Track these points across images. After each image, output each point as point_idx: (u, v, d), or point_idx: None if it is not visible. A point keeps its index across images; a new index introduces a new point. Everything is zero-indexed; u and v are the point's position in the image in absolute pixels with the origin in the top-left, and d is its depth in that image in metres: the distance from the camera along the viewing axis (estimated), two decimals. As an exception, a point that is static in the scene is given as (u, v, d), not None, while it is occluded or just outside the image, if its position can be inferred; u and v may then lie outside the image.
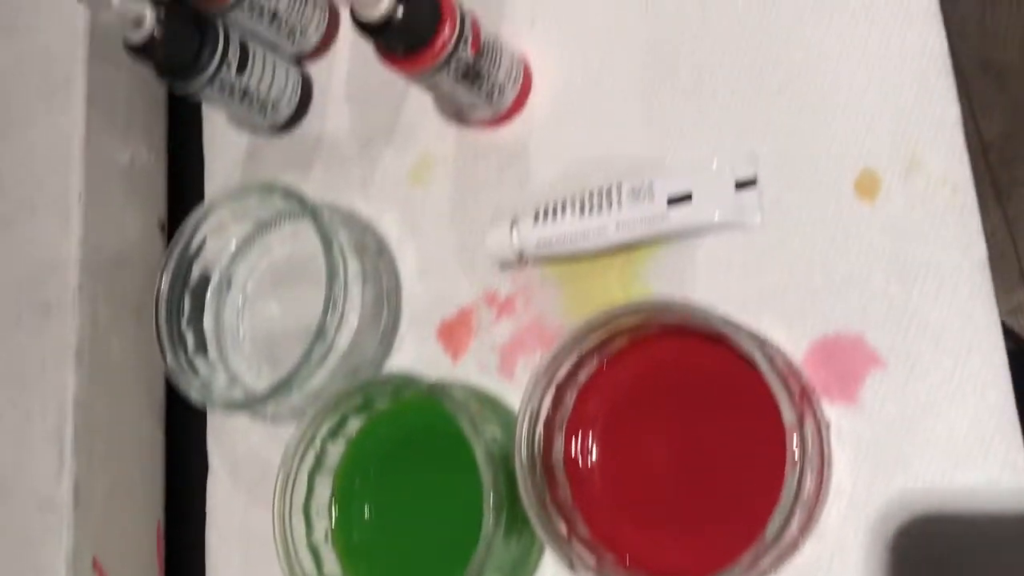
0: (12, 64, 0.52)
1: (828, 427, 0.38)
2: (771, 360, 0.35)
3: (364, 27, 0.39)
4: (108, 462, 0.49)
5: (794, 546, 0.37)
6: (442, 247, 0.48)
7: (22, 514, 0.48)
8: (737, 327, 0.35)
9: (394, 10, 0.38)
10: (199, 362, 0.48)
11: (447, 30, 0.40)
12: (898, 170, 0.38)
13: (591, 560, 0.37)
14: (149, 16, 0.44)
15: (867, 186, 0.39)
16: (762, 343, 0.36)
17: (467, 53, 0.42)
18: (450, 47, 0.41)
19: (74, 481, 0.47)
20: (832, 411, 0.38)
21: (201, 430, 0.52)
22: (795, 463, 0.33)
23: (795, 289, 0.39)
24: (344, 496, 0.45)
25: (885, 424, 0.37)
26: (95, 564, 0.47)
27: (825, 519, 0.37)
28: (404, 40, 0.40)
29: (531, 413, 0.39)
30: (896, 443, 0.37)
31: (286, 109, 0.52)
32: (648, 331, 0.39)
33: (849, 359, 0.38)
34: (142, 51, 0.45)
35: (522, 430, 0.39)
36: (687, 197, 0.41)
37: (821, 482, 0.37)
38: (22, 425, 0.49)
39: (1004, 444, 0.35)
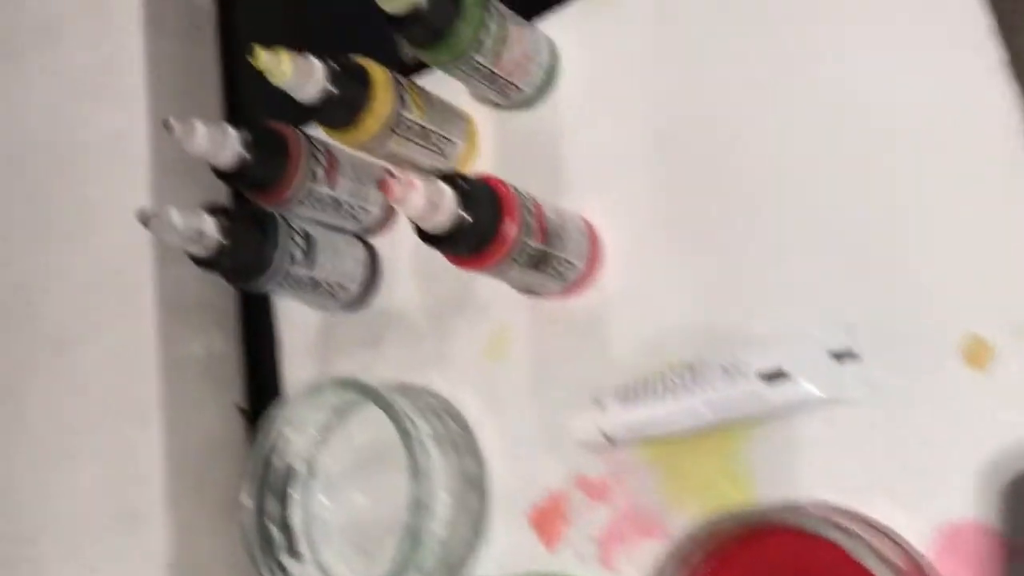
0: (85, 272, 0.53)
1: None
2: (888, 563, 0.32)
3: (430, 239, 0.38)
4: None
5: None
6: (525, 425, 0.46)
7: None
8: (849, 533, 0.33)
9: (460, 220, 0.37)
10: (290, 563, 0.47)
11: (512, 227, 0.39)
12: (1008, 333, 0.36)
13: None
14: (210, 229, 0.44)
15: (976, 353, 0.36)
16: (878, 551, 0.33)
17: (533, 243, 0.40)
18: (517, 242, 0.39)
19: None
20: (968, 600, 0.35)
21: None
22: None
23: (912, 470, 0.36)
24: None
25: (1032, 620, 0.34)
26: None
27: None
28: (469, 244, 0.38)
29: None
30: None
31: (355, 287, 0.51)
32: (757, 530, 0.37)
33: (979, 548, 0.35)
34: (208, 264, 0.44)
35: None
36: (780, 373, 0.39)
37: None
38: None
39: None
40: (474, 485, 0.46)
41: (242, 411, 0.54)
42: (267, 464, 0.48)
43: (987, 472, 0.35)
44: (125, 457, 0.50)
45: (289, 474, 0.49)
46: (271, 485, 0.48)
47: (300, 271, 0.47)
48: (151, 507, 0.49)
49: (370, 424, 0.49)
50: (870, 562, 0.32)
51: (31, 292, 0.54)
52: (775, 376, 0.39)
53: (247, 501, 0.46)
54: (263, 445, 0.47)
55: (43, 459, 0.51)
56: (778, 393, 0.39)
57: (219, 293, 0.55)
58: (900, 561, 0.34)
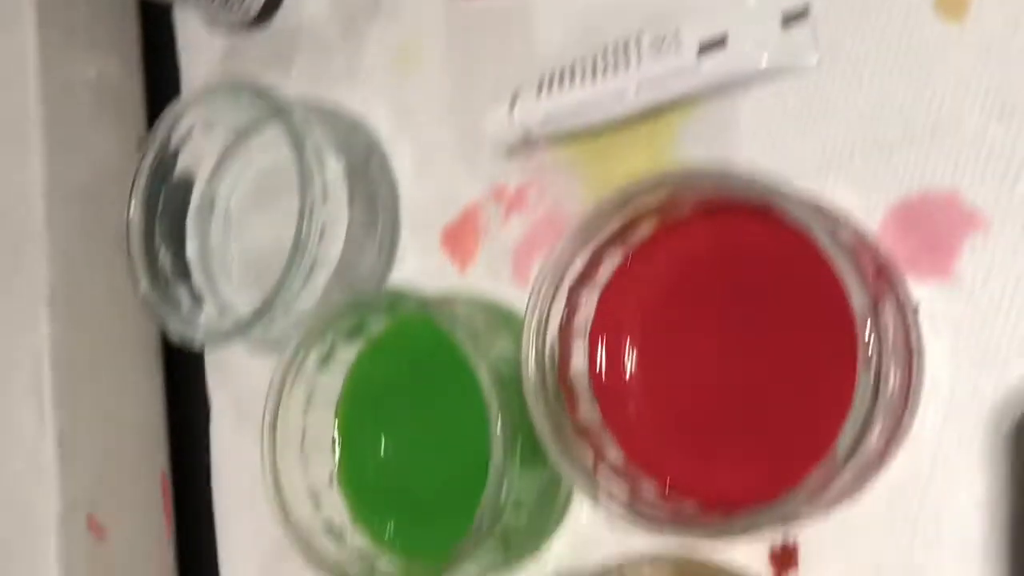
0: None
1: (916, 310, 0.29)
2: (833, 232, 0.27)
3: None
4: (97, 413, 0.44)
5: (880, 460, 0.29)
6: (441, 140, 0.40)
7: (8, 474, 0.43)
8: (786, 194, 0.27)
9: None
10: (182, 292, 0.42)
11: None
12: (991, -27, 0.30)
13: (623, 491, 0.30)
14: None
15: (952, 1, 0.30)
16: (819, 211, 0.28)
17: None
18: None
19: (58, 436, 0.42)
20: (922, 290, 0.30)
21: (203, 369, 0.46)
22: (870, 357, 0.26)
23: (866, 143, 0.31)
24: (347, 434, 0.39)
25: (991, 301, 0.29)
26: (91, 523, 0.42)
27: (919, 425, 0.29)
28: None
29: (539, 321, 0.32)
30: (1005, 324, 0.28)
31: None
32: (680, 212, 0.32)
33: (940, 223, 0.29)
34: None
35: (529, 341, 0.32)
36: (722, 42, 0.33)
37: (910, 379, 0.29)
38: (3, 377, 0.44)
39: None
40: (382, 205, 0.41)
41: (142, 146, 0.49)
42: (158, 183, 0.43)
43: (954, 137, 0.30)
44: (5, 187, 0.45)
45: (184, 203, 0.44)
46: (163, 207, 0.43)
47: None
48: (32, 237, 0.44)
49: (272, 146, 0.44)
50: (814, 227, 0.27)
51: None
52: (712, 46, 0.33)
53: (134, 213, 0.41)
54: (152, 161, 0.42)
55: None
56: (716, 65, 0.33)
57: (114, 6, 0.49)
58: (847, 234, 0.29)
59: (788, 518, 0.27)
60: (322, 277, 0.39)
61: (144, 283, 0.41)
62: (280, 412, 0.38)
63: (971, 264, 0.29)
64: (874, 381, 0.25)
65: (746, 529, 0.27)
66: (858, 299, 0.26)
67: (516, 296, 0.37)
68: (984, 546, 0.28)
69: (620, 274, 0.33)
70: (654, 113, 0.35)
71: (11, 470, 0.43)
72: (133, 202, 0.42)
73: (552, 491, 0.35)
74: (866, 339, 0.26)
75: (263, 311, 0.38)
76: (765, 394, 0.31)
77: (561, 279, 0.32)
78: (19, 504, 0.43)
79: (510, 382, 0.33)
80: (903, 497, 0.29)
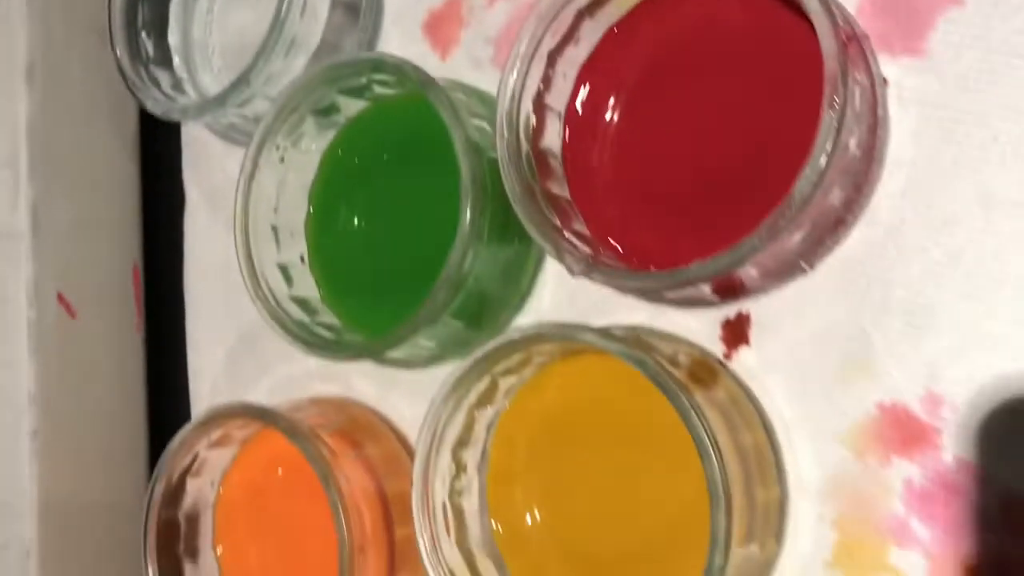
0: None
1: (885, 83, 0.30)
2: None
3: None
4: (72, 192, 0.44)
5: (839, 225, 0.30)
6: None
7: (-18, 246, 0.43)
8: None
9: None
10: (161, 76, 0.42)
11: None
12: None
13: (586, 251, 0.31)
14: None
15: None
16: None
17: None
18: None
19: (32, 209, 0.43)
20: (893, 67, 0.30)
21: (179, 162, 0.46)
22: (833, 104, 0.26)
23: (850, -80, 0.31)
24: (319, 213, 0.39)
25: (959, 78, 0.29)
26: (60, 299, 0.43)
27: (878, 197, 0.30)
28: None
29: (515, 87, 0.32)
30: (971, 100, 0.29)
31: None
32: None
33: (918, 1, 0.30)
34: None
35: (504, 106, 0.32)
36: None
37: (873, 147, 0.29)
38: (-23, 153, 0.44)
39: (1115, 87, 0.27)
40: (366, -8, 0.41)
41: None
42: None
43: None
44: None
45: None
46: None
47: None
48: (11, 9, 0.43)
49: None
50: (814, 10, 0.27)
51: None
52: None
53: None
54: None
55: None
56: None
57: None
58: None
59: (740, 265, 0.27)
60: (301, 59, 0.39)
61: (126, 63, 0.41)
62: (253, 185, 0.38)
63: (943, 42, 0.29)
64: (835, 130, 0.26)
65: (702, 275, 0.28)
66: (827, 45, 0.26)
67: (495, 83, 0.37)
68: (932, 310, 0.29)
69: (598, 48, 0.33)
70: None
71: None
72: (115, -23, 0.42)
73: (516, 270, 0.36)
74: (832, 91, 0.26)
75: (240, 83, 0.38)
76: (732, 167, 0.31)
77: (539, 44, 0.32)
78: (-8, 275, 0.43)
79: (484, 154, 0.34)
80: (856, 268, 0.30)
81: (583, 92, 0.33)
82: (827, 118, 0.26)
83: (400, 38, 0.40)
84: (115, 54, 0.41)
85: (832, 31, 0.26)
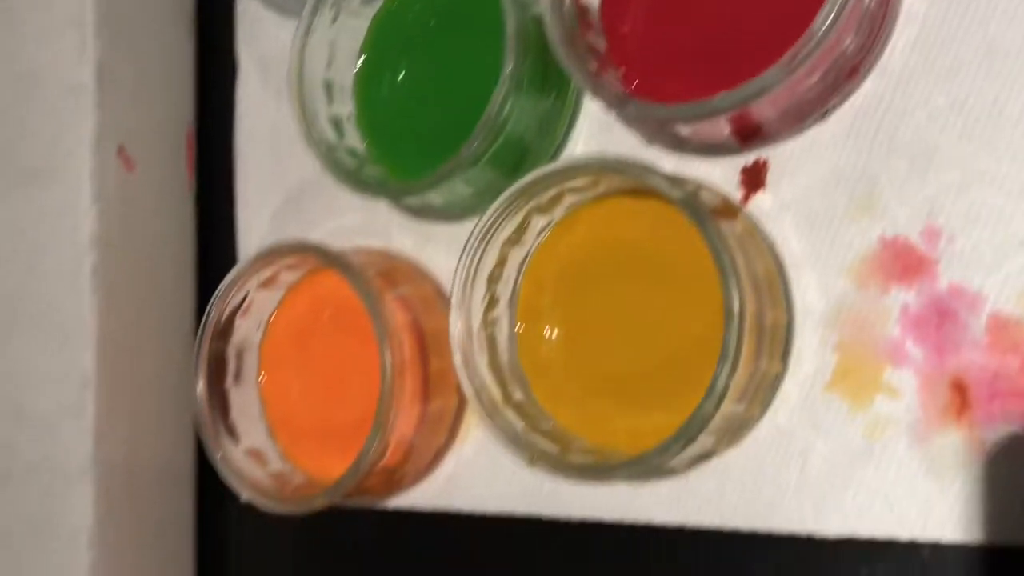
0: None
1: (903, -54, 0.33)
2: None
3: None
4: (134, 52, 0.47)
5: (853, 73, 0.32)
6: None
7: (50, 101, 0.46)
8: None
9: None
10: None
11: None
12: None
13: (620, 94, 0.34)
14: None
15: None
16: None
17: None
18: None
19: (97, 65, 0.45)
20: (910, -68, 0.33)
21: (233, 34, 0.49)
22: (856, -56, 0.29)
23: None
24: (368, 71, 0.42)
25: (972, -61, 0.32)
26: (120, 151, 0.46)
27: (891, 51, 0.33)
28: None
29: (561, -59, 0.35)
30: (983, -41, 0.31)
31: None
32: None
33: None
34: None
35: (549, -42, 0.35)
36: None
37: (887, 6, 0.32)
38: (46, 14, 0.47)
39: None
40: None
41: None
42: None
43: None
44: None
45: None
46: None
47: None
48: None
49: None
50: None
51: None
52: None
53: None
54: None
55: None
56: None
57: None
58: None
59: (759, 97, 0.30)
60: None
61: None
62: (308, 39, 0.41)
63: (959, -98, 0.32)
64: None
65: (724, 106, 0.31)
66: None
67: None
68: (935, 151, 0.32)
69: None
70: None
71: (51, 96, 0.46)
72: None
73: (551, 122, 0.39)
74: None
75: (300, -56, 0.41)
76: (760, 21, 0.33)
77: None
78: (57, 127, 0.46)
79: (528, 12, 0.36)
80: (867, 116, 0.33)
81: (623, -46, 0.36)
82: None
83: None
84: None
85: None
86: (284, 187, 0.47)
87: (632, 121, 0.37)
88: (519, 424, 0.35)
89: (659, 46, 0.35)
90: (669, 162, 0.37)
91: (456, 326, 0.35)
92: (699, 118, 0.32)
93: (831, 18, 0.29)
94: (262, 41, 0.48)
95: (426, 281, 0.42)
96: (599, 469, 0.32)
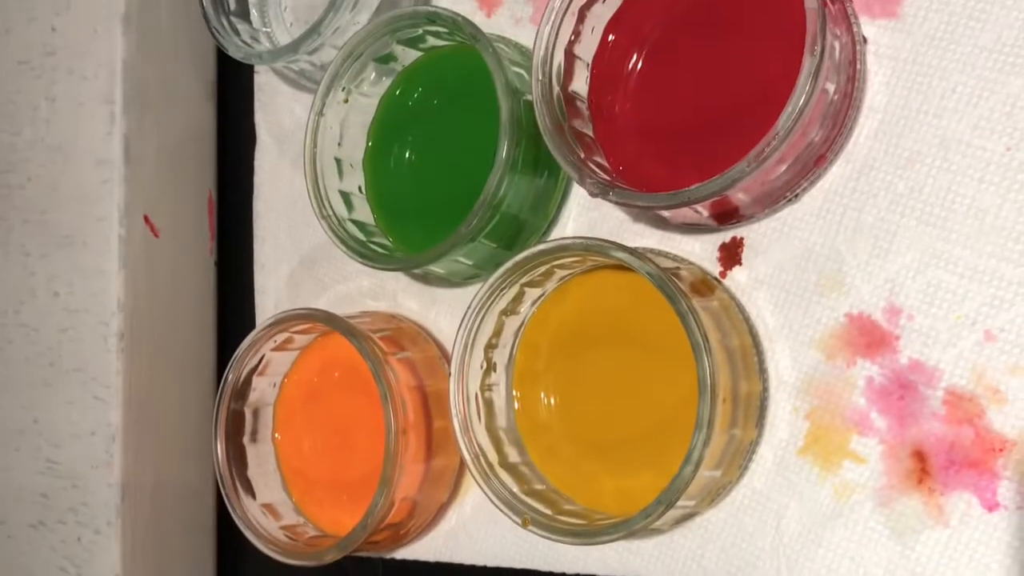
0: None
1: (865, 42, 0.35)
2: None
3: None
4: (159, 127, 0.50)
5: (820, 160, 0.35)
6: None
7: (81, 172, 0.50)
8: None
9: None
10: (240, 26, 0.48)
11: None
12: None
13: (604, 179, 0.36)
14: None
15: None
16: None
17: None
18: None
19: (124, 140, 0.49)
20: (872, 28, 0.35)
21: (252, 105, 0.52)
22: (813, 52, 0.31)
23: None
24: (377, 148, 0.45)
25: (926, 37, 0.34)
26: (146, 220, 0.49)
27: (856, 139, 0.35)
28: None
29: (549, 35, 0.37)
30: (935, 57, 0.34)
31: None
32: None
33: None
34: None
35: (540, 52, 0.37)
36: None
37: (852, 95, 0.34)
38: (78, 90, 0.50)
39: (1056, 46, 0.32)
40: (423, -44, 0.46)
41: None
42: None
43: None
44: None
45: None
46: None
47: None
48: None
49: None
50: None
51: None
52: None
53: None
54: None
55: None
56: None
57: None
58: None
59: (733, 187, 0.32)
60: (365, 15, 0.45)
61: (210, 12, 0.47)
62: (321, 120, 0.44)
63: (913, 6, 0.34)
64: (815, 70, 0.31)
65: (699, 196, 0.33)
66: (811, 12, 0.31)
67: (533, 39, 0.43)
68: (896, 234, 0.34)
69: (623, 6, 0.38)
70: None
71: (81, 168, 0.50)
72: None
73: (544, 200, 0.42)
74: (812, 43, 0.31)
75: (311, 32, 0.44)
76: (732, 109, 0.36)
77: (571, 1, 0.37)
78: (87, 197, 0.49)
79: (521, 98, 0.39)
80: (834, 199, 0.35)
81: (608, 44, 0.39)
82: (807, 64, 0.31)
83: (450, -1, 0.46)
84: (201, 5, 0.47)
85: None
86: (299, 251, 0.50)
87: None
88: (514, 486, 0.37)
89: (643, 131, 0.38)
90: (653, 237, 0.39)
91: (455, 393, 0.38)
92: (675, 206, 0.34)
93: (792, 118, 0.31)
94: (279, 113, 0.51)
95: (430, 344, 0.45)
96: (588, 533, 0.35)
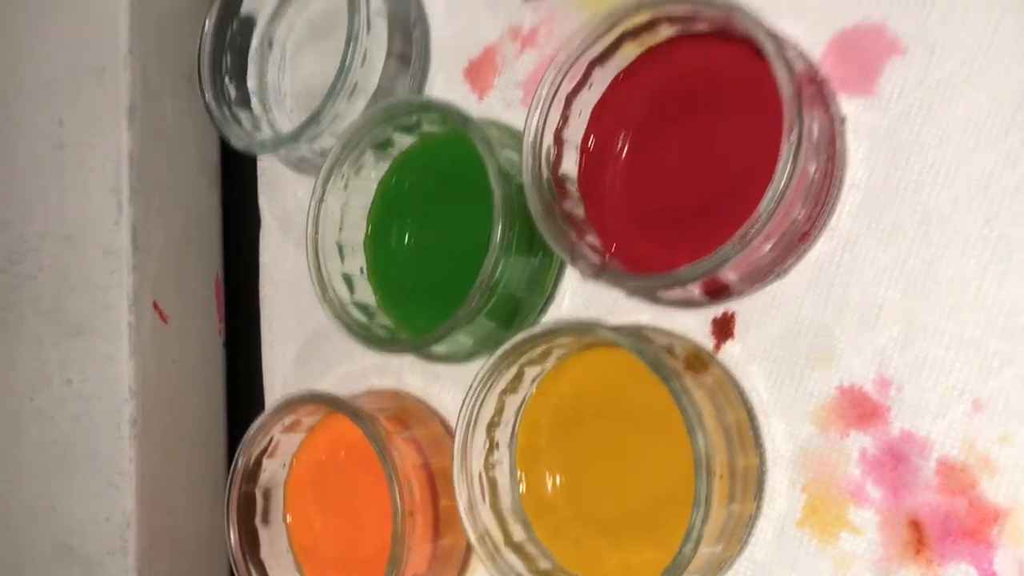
0: None
1: (843, 120, 0.36)
2: (773, 38, 0.33)
3: None
4: (165, 214, 0.52)
5: (805, 237, 0.36)
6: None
7: (90, 261, 0.51)
8: (739, 7, 0.34)
9: None
10: (242, 115, 0.50)
11: None
12: None
13: (596, 261, 0.37)
14: None
15: None
16: (768, 29, 0.34)
17: None
18: None
19: (132, 230, 0.50)
20: (849, 105, 0.36)
21: (255, 188, 0.54)
22: (790, 138, 0.32)
23: (815, -17, 0.37)
24: (376, 231, 0.46)
25: (902, 114, 0.35)
26: (155, 306, 0.50)
27: (838, 215, 0.36)
28: None
29: (538, 123, 0.39)
30: (912, 133, 0.35)
31: None
32: (660, 36, 0.38)
33: (868, 49, 0.36)
34: None
35: (529, 139, 0.39)
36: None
37: (832, 172, 0.35)
38: (86, 181, 0.52)
39: (1028, 121, 0.33)
40: (416, 41, 0.48)
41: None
42: (227, 23, 0.49)
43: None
44: (96, 18, 0.52)
45: (248, 41, 0.51)
46: (230, 45, 0.50)
47: None
48: (116, 61, 0.51)
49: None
50: (760, 36, 0.33)
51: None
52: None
53: (207, 42, 0.48)
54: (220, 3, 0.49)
55: (21, 23, 0.54)
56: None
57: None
58: (789, 51, 0.35)
59: (720, 268, 0.33)
60: (361, 101, 0.46)
61: (210, 98, 0.49)
62: (322, 208, 0.45)
63: (890, 83, 0.35)
64: (793, 154, 0.32)
65: (689, 278, 0.34)
66: (786, 92, 0.32)
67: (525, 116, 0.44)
68: (881, 308, 0.35)
69: (608, 91, 0.40)
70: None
71: (90, 257, 0.51)
72: (204, 35, 0.49)
73: (540, 278, 0.42)
74: (791, 121, 0.32)
75: (310, 122, 0.45)
76: (718, 188, 0.37)
77: (558, 87, 0.38)
78: (96, 287, 0.51)
79: (512, 182, 0.40)
80: (820, 273, 0.36)
81: (595, 128, 0.40)
82: (785, 150, 0.32)
83: (444, 82, 0.47)
84: (203, 97, 0.49)
85: (789, 79, 0.32)
86: (305, 331, 0.51)
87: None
88: (520, 565, 0.38)
89: (633, 211, 0.39)
90: (648, 312, 0.40)
91: (459, 474, 0.39)
92: (665, 287, 0.35)
93: (774, 201, 0.32)
94: (282, 196, 0.52)
95: (435, 421, 0.45)
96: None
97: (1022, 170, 0.33)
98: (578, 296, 0.42)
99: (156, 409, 0.49)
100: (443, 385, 0.46)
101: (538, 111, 0.39)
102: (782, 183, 0.32)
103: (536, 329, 0.37)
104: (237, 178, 0.55)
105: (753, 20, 0.33)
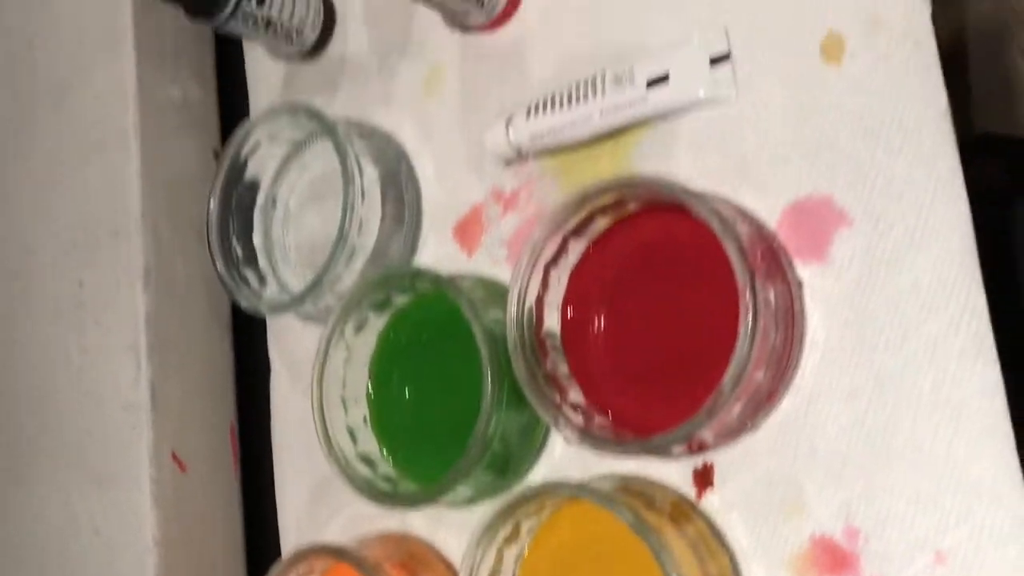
0: (68, 20, 0.58)
1: (800, 285, 0.39)
2: (727, 222, 0.36)
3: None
4: (181, 369, 0.55)
5: (771, 398, 0.38)
6: (455, 151, 0.50)
7: (111, 416, 0.54)
8: (694, 195, 0.37)
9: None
10: (249, 274, 0.53)
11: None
12: (861, 30, 0.39)
13: (579, 422, 0.40)
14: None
15: (833, 49, 0.39)
16: (718, 208, 0.37)
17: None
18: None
19: (150, 386, 0.53)
20: (805, 271, 0.39)
21: (265, 335, 0.57)
22: (747, 311, 0.35)
23: (769, 157, 0.40)
24: (377, 384, 0.49)
25: (853, 281, 0.38)
26: (174, 457, 0.53)
27: (801, 373, 0.39)
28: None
29: (520, 292, 0.42)
30: (862, 298, 0.37)
31: (311, 34, 0.55)
32: (627, 209, 0.41)
33: (819, 220, 0.39)
34: (169, -3, 0.49)
35: (512, 308, 0.42)
36: (665, 78, 0.43)
37: (792, 336, 0.38)
38: (105, 339, 0.55)
39: (966, 288, 0.36)
40: (409, 204, 0.51)
41: (217, 156, 0.60)
42: (232, 186, 0.53)
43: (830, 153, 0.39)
44: (110, 183, 0.56)
45: (252, 201, 0.54)
46: (235, 205, 0.53)
47: (255, 10, 0.52)
48: (130, 224, 0.55)
49: (324, 155, 0.54)
50: (712, 220, 0.36)
51: (32, 39, 0.59)
52: (658, 81, 0.43)
53: (213, 210, 0.52)
54: (227, 167, 0.53)
55: (42, 186, 0.58)
56: (659, 97, 0.43)
57: (197, 45, 0.60)
58: (742, 226, 0.38)
59: (691, 437, 0.36)
60: (360, 262, 0.50)
61: (220, 265, 0.52)
62: (325, 368, 0.48)
63: (840, 251, 0.38)
64: (751, 331, 0.35)
65: (664, 445, 0.37)
66: (739, 272, 0.35)
67: (510, 276, 0.47)
68: (845, 462, 0.37)
69: (583, 258, 0.43)
70: (614, 133, 0.44)
71: (111, 412, 0.54)
72: (212, 200, 0.53)
73: (531, 430, 0.45)
74: (746, 299, 0.35)
75: (313, 287, 0.48)
76: (690, 350, 0.40)
77: (537, 259, 0.41)
78: (118, 440, 0.54)
79: (500, 341, 0.43)
80: (788, 428, 0.39)
81: (573, 292, 0.43)
82: (743, 329, 0.35)
83: (435, 242, 0.50)
84: (214, 265, 0.52)
85: (742, 263, 0.35)
86: (315, 472, 0.54)
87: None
88: None
89: (612, 366, 0.42)
90: (633, 463, 0.42)
91: (462, 631, 0.41)
92: (644, 453, 0.38)
93: (736, 375, 0.35)
94: (290, 345, 0.56)
95: (440, 566, 0.48)
96: None
97: (964, 335, 0.35)
98: (569, 446, 0.45)
99: (178, 559, 0.52)
100: (447, 527, 0.49)
101: (520, 280, 0.42)
102: (743, 355, 0.35)
103: (528, 490, 0.40)
104: (248, 331, 0.58)
105: (705, 205, 0.36)
